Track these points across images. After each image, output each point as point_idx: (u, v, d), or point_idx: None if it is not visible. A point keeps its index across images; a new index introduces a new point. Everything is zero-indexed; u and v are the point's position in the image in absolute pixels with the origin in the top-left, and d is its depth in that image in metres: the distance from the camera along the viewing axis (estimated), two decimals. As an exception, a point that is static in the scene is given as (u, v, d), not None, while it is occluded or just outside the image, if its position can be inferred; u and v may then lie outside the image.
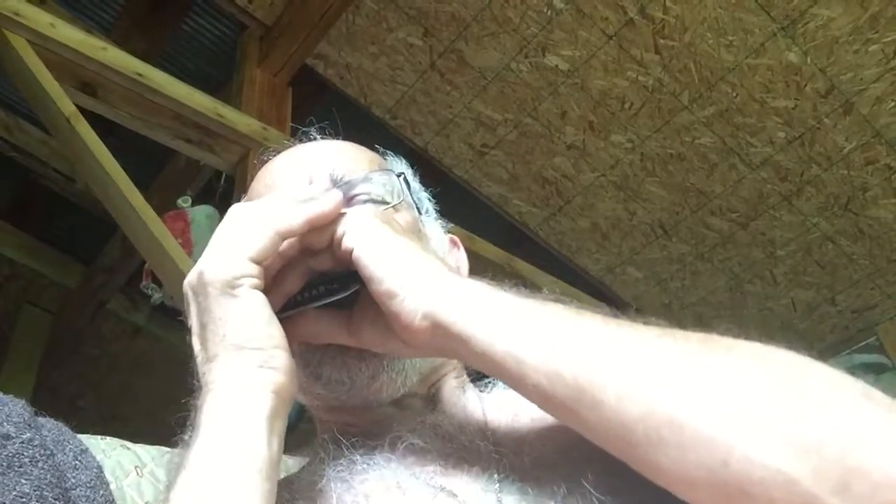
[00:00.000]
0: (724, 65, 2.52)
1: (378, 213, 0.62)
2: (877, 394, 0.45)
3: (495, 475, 0.57)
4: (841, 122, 2.66)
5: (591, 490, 0.53)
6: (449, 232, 0.82)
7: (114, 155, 1.75)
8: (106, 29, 2.50)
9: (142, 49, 2.41)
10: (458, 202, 2.91)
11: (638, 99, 2.64)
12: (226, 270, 0.56)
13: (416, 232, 0.71)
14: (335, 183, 0.69)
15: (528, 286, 0.59)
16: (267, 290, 0.58)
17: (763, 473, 0.42)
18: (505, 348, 0.52)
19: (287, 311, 0.60)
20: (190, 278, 0.58)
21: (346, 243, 0.58)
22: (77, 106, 1.80)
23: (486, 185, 2.95)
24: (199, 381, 0.55)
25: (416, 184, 0.78)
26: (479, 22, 2.47)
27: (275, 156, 0.77)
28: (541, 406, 0.53)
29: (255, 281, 0.56)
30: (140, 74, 1.96)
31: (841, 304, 3.33)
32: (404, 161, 0.80)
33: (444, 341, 0.55)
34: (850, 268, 3.17)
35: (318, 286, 0.60)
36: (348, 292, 0.60)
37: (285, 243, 0.59)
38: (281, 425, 0.54)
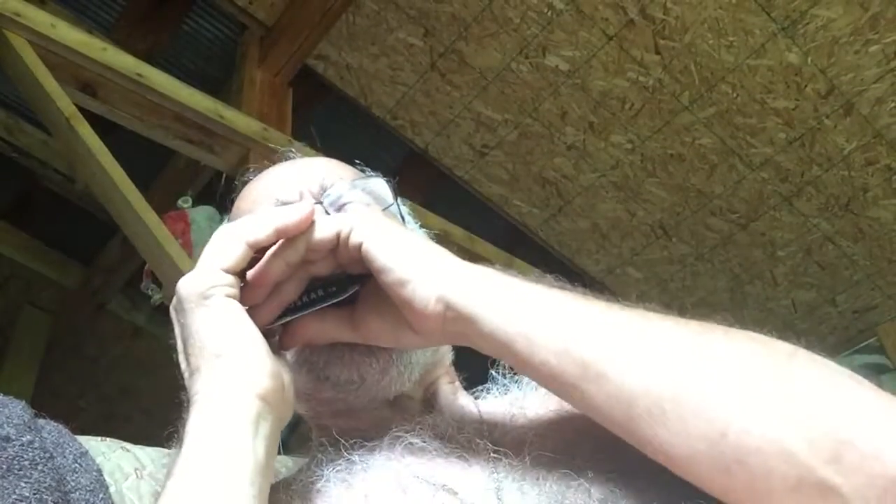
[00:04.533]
0: (725, 65, 2.52)
1: (381, 212, 0.64)
2: (863, 379, 0.48)
3: (495, 474, 0.58)
4: (841, 122, 2.66)
5: (591, 491, 0.53)
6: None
7: (114, 155, 1.75)
8: (106, 29, 2.50)
9: (142, 49, 2.42)
10: (458, 203, 2.91)
11: (638, 99, 2.64)
12: (198, 283, 0.56)
13: None
14: (324, 191, 0.71)
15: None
16: (265, 301, 0.59)
17: (760, 443, 0.45)
18: (515, 327, 0.54)
19: (286, 317, 0.60)
20: (174, 300, 0.59)
21: (354, 239, 0.58)
22: (77, 106, 1.80)
23: (487, 185, 2.95)
24: (186, 396, 0.56)
25: (397, 196, 0.80)
26: (480, 22, 2.47)
27: (256, 175, 0.79)
28: (545, 384, 0.55)
29: (229, 290, 0.57)
30: (140, 75, 1.96)
31: (841, 305, 3.33)
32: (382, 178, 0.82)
33: (455, 325, 0.57)
34: (851, 268, 3.17)
35: (315, 290, 0.61)
36: (347, 294, 0.60)
37: (283, 245, 0.59)
38: (268, 428, 0.53)
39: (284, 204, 0.70)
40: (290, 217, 0.58)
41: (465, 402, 0.71)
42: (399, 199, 0.78)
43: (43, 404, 0.64)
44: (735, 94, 2.59)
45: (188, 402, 0.55)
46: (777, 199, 2.92)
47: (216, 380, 0.53)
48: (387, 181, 0.76)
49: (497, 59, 2.56)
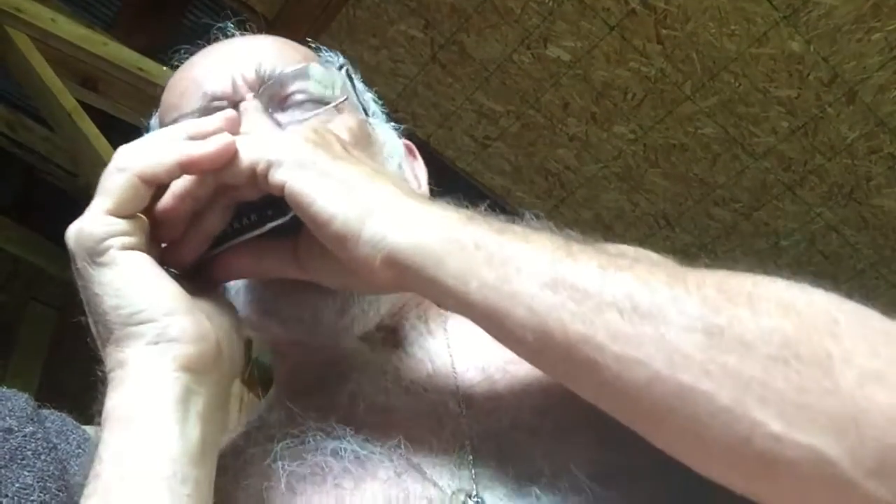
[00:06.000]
0: (727, 54, 2.51)
1: (310, 133, 0.50)
2: None
3: (468, 443, 0.49)
4: (844, 111, 2.65)
5: (579, 475, 0.46)
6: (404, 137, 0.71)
7: (116, 150, 1.75)
8: (107, 24, 2.49)
9: (143, 43, 2.41)
10: (460, 195, 2.90)
11: (640, 89, 2.63)
12: (86, 235, 0.46)
13: (364, 136, 0.61)
14: (263, 80, 0.59)
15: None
16: (184, 235, 0.49)
17: (793, 453, 0.37)
18: (482, 298, 0.44)
19: (216, 248, 0.51)
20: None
21: (275, 177, 0.47)
22: (79, 101, 1.80)
23: (489, 177, 2.95)
24: (101, 372, 0.47)
25: (359, 83, 0.68)
26: (481, 13, 2.46)
27: (188, 58, 0.65)
28: (530, 363, 0.46)
29: (125, 239, 0.46)
30: (141, 69, 1.97)
31: (845, 295, 3.32)
32: (340, 55, 0.69)
33: (410, 286, 0.47)
34: (855, 257, 3.16)
35: (248, 214, 0.50)
36: (286, 217, 0.49)
37: (189, 181, 0.48)
38: (202, 403, 0.44)
39: (213, 97, 0.58)
40: (199, 148, 0.47)
41: (436, 335, 0.60)
42: (359, 91, 0.66)
43: (48, 399, 0.64)
44: (737, 84, 2.58)
45: (104, 379, 0.46)
46: (780, 188, 2.91)
47: (129, 355, 0.44)
48: (341, 67, 0.63)
49: (498, 51, 2.56)
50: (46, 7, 1.94)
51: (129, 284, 0.45)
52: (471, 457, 0.49)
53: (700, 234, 3.12)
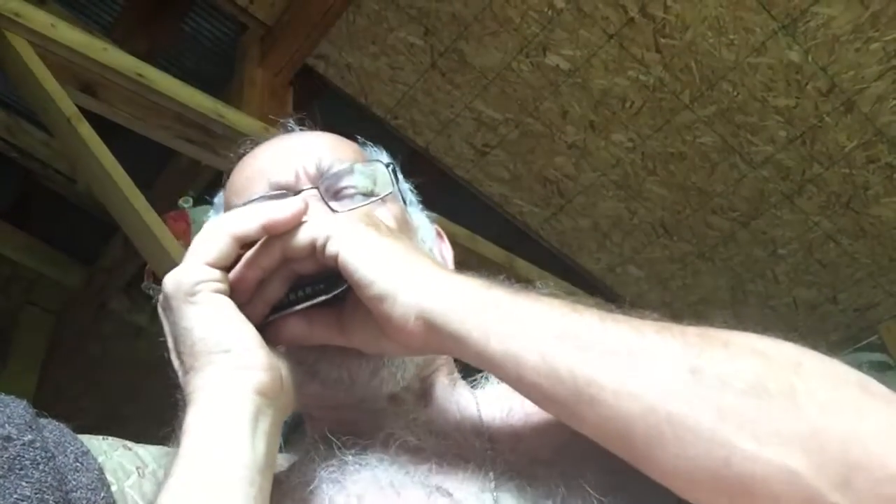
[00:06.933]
0: (725, 64, 2.52)
1: (361, 216, 0.60)
2: (874, 386, 0.46)
3: (491, 473, 0.56)
4: (842, 120, 2.66)
5: (591, 491, 0.52)
6: (436, 223, 0.82)
7: (115, 156, 1.75)
8: (107, 29, 2.50)
9: (142, 49, 2.42)
10: (459, 202, 2.91)
11: (639, 98, 2.63)
12: (184, 279, 0.55)
13: (404, 223, 0.71)
14: (322, 175, 0.69)
15: (531, 285, 0.58)
16: (250, 300, 0.58)
17: (766, 470, 0.43)
18: (501, 349, 0.51)
19: (273, 315, 0.59)
20: (161, 298, 0.58)
21: (331, 248, 0.56)
22: (78, 107, 1.80)
23: (488, 184, 2.95)
24: (181, 396, 0.55)
25: (401, 175, 0.78)
26: (480, 21, 2.47)
27: (253, 147, 0.76)
28: (539, 404, 0.53)
29: (216, 285, 0.56)
30: (141, 75, 1.96)
31: (843, 303, 3.32)
32: (384, 151, 0.80)
33: (439, 342, 0.55)
34: (852, 266, 3.16)
35: (303, 287, 0.59)
36: (336, 291, 0.59)
37: (258, 251, 0.57)
38: (268, 423, 0.53)
39: (277, 186, 0.69)
40: (279, 212, 0.57)
41: (463, 394, 0.68)
42: (400, 184, 0.76)
43: (45, 404, 0.63)
44: (736, 93, 2.59)
45: (183, 401, 0.54)
46: (778, 197, 2.92)
47: (211, 378, 0.53)
48: (388, 165, 0.74)
49: (498, 59, 2.56)
50: (46, 12, 1.94)
51: (215, 320, 0.54)
52: (493, 483, 0.56)
53: (698, 243, 3.12)
